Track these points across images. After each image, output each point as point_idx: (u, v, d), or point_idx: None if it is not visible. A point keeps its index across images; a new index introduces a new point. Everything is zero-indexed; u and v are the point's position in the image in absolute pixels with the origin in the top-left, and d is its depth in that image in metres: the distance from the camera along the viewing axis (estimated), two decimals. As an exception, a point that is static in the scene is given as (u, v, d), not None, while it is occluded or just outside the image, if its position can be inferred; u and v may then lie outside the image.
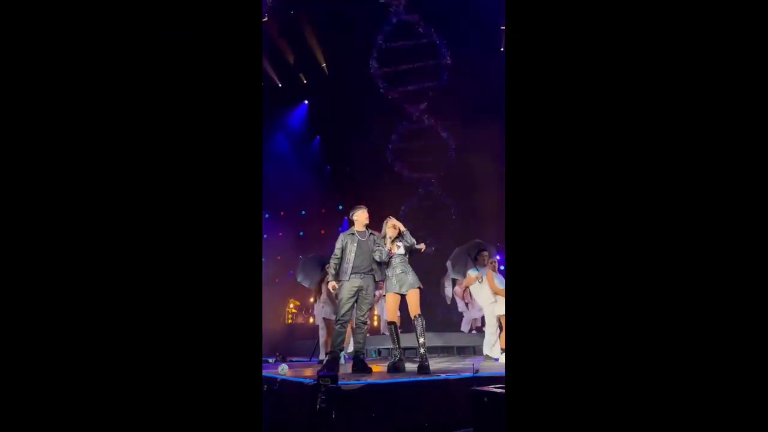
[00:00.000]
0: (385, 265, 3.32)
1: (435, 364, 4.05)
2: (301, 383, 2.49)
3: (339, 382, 2.11)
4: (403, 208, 7.49)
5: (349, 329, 4.58)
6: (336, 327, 3.27)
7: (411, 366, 3.39)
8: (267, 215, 8.58)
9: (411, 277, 3.26)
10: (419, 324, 3.18)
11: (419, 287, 3.27)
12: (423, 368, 3.04)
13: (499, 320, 4.30)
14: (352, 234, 3.39)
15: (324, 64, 8.18)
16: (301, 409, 2.31)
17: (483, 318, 5.46)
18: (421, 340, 3.16)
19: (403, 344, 3.40)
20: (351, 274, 3.27)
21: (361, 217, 3.41)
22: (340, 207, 10.50)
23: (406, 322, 3.53)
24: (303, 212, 9.91)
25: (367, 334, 3.46)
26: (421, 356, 3.12)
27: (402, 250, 3.34)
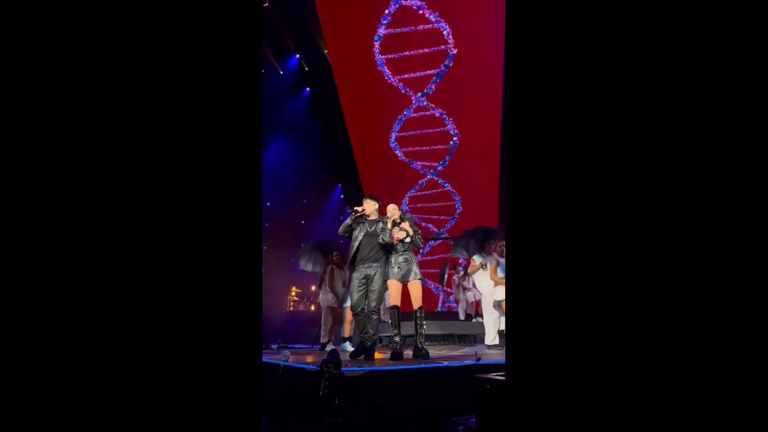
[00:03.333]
0: (390, 250, 3.34)
1: (436, 351, 4.09)
2: (304, 369, 2.51)
3: (342, 369, 2.12)
4: (393, 130, 7.13)
5: (349, 317, 4.66)
6: (354, 319, 3.37)
7: (410, 353, 3.43)
8: (269, 203, 8.58)
9: (414, 267, 3.27)
10: (420, 316, 3.23)
11: (421, 279, 3.30)
12: (422, 355, 3.09)
13: (500, 306, 4.34)
14: (362, 223, 3.41)
15: (326, 51, 8.08)
16: (304, 395, 2.33)
17: (480, 305, 5.49)
18: (420, 330, 3.24)
19: (403, 332, 3.45)
20: (358, 263, 3.34)
21: (367, 207, 3.42)
22: (342, 196, 10.50)
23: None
24: (304, 201, 9.91)
25: (379, 324, 3.46)
26: (421, 343, 3.21)
27: (408, 239, 3.34)
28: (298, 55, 9.28)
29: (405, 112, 6.97)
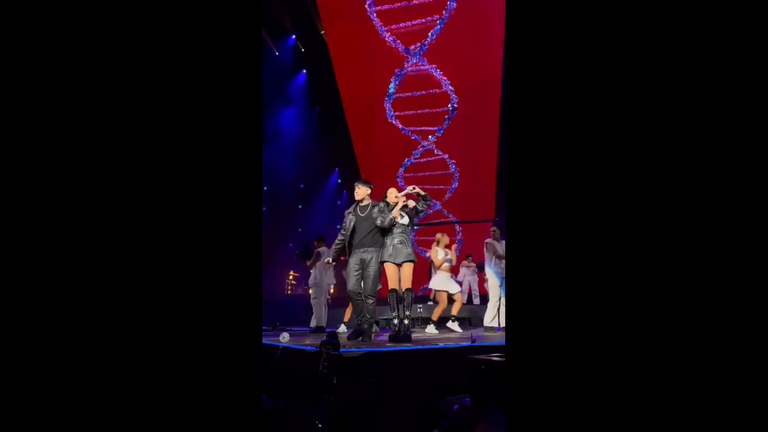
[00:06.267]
0: (387, 233, 3.34)
1: (436, 335, 4.16)
2: (303, 350, 2.56)
3: (340, 350, 2.16)
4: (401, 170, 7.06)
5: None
6: (351, 303, 3.40)
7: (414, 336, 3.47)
8: (265, 188, 8.55)
9: (408, 249, 3.29)
10: (408, 297, 3.26)
11: (413, 261, 3.32)
12: (405, 338, 3.13)
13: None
14: (353, 211, 3.41)
15: (323, 31, 7.92)
16: (303, 375, 2.38)
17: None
18: (407, 312, 3.26)
19: (379, 316, 3.47)
20: (354, 248, 3.35)
21: (358, 192, 3.41)
22: (339, 180, 10.45)
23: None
24: (301, 185, 9.87)
25: (375, 307, 3.48)
26: (406, 327, 3.22)
27: (405, 220, 3.34)
28: (294, 36, 9.10)
29: (401, 69, 6.58)
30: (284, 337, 3.29)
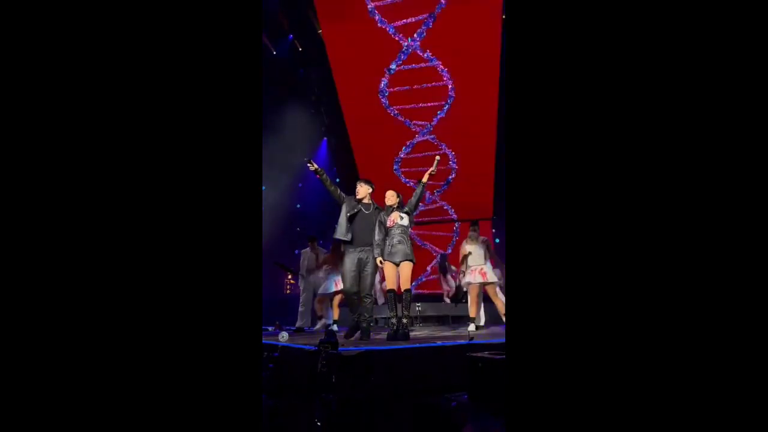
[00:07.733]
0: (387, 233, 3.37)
1: (429, 332, 4.17)
2: (302, 349, 2.57)
3: (339, 348, 2.18)
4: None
5: (337, 300, 4.81)
6: (347, 301, 3.44)
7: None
8: (264, 187, 8.54)
9: (407, 249, 3.30)
10: (407, 298, 3.27)
11: (412, 261, 3.33)
12: (404, 336, 3.16)
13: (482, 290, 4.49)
14: (357, 203, 3.39)
15: (321, 30, 7.91)
16: (302, 373, 2.39)
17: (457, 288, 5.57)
18: (406, 312, 3.28)
19: (378, 314, 3.50)
20: (351, 248, 3.34)
21: (360, 191, 3.41)
22: (337, 180, 10.45)
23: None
24: (300, 185, 9.86)
25: (373, 306, 3.51)
26: (404, 325, 3.24)
27: (405, 221, 3.36)
28: (291, 36, 9.08)
29: (396, 60, 6.44)
30: (283, 337, 3.30)
